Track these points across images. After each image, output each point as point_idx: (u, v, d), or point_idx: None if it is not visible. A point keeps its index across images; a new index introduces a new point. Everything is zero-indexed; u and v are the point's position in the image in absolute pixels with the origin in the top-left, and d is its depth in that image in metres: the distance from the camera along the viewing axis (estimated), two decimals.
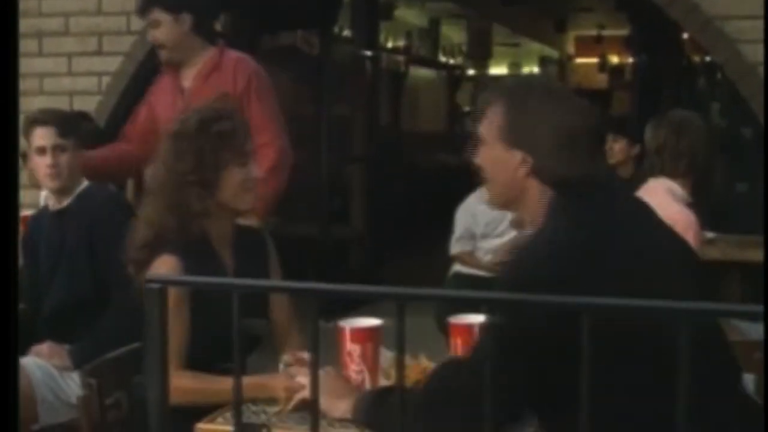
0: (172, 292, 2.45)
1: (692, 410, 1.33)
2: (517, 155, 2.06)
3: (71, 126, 3.58)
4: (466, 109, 15.35)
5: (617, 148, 5.67)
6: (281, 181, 3.98)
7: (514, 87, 2.16)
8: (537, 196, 2.06)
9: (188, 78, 4.07)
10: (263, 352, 2.82)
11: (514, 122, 2.07)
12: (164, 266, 2.53)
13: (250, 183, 2.65)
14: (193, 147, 2.58)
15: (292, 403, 2.29)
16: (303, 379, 2.30)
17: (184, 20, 4.02)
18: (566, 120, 2.04)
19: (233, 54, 4.13)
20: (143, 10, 4.11)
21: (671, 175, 3.51)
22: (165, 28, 4.03)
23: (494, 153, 2.10)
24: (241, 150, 2.63)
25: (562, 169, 2.03)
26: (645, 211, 2.13)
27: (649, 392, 1.85)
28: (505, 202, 2.15)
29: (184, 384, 2.44)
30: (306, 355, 2.34)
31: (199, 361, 2.54)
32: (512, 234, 5.42)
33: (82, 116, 4.69)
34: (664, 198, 3.37)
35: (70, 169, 3.49)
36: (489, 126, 2.11)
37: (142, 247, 2.59)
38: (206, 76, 4.02)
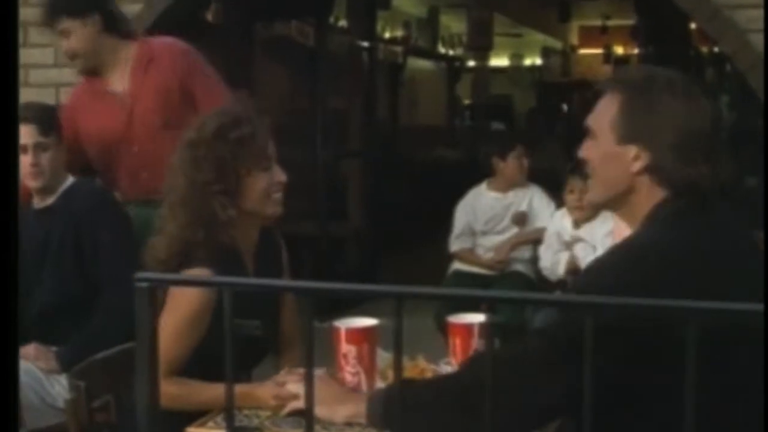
0: (198, 300, 2.46)
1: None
2: (631, 150, 2.00)
3: (53, 122, 3.55)
4: (467, 102, 15.36)
5: None
6: None
7: (634, 77, 2.09)
8: (646, 195, 2.00)
9: (118, 81, 3.89)
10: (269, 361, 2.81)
11: (631, 114, 2.00)
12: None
13: (275, 187, 2.62)
14: (212, 155, 2.54)
15: (286, 411, 2.28)
16: (294, 387, 2.29)
17: (94, 22, 3.83)
18: (691, 117, 1.98)
19: (160, 40, 4.00)
20: (49, 22, 3.87)
21: None
22: (76, 36, 3.82)
23: (605, 147, 2.03)
24: (263, 154, 2.60)
25: (681, 170, 1.96)
26: (744, 234, 2.07)
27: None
28: (609, 200, 2.08)
29: (170, 392, 2.43)
30: (302, 371, 2.32)
31: (210, 371, 2.51)
32: (514, 231, 5.43)
33: None
34: None
35: (53, 167, 3.48)
36: (601, 117, 2.04)
37: (166, 264, 2.54)
38: (143, 71, 3.86)
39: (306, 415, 1.50)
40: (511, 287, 5.13)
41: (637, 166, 2.00)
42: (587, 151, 2.08)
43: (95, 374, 2.64)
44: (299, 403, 2.22)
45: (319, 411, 2.05)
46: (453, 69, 14.51)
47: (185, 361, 2.51)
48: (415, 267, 7.93)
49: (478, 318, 2.40)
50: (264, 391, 2.36)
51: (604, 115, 2.04)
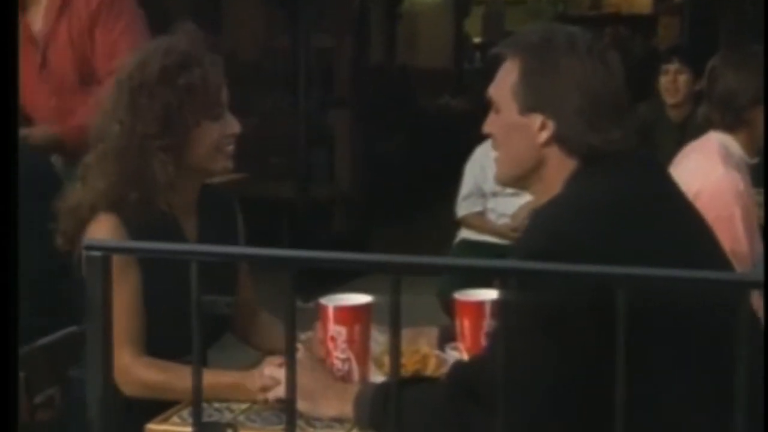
0: (122, 264, 2.44)
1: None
2: (536, 120, 2.10)
3: None
4: (477, 40, 15.31)
5: (681, 81, 5.67)
6: None
7: (530, 41, 2.17)
8: (557, 167, 2.11)
9: (36, 17, 3.93)
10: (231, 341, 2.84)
11: (531, 80, 2.10)
12: (102, 228, 2.50)
13: (227, 140, 2.61)
14: (156, 103, 2.52)
15: (269, 396, 2.30)
16: (274, 371, 2.31)
17: None
18: (596, 77, 2.08)
19: None
20: None
21: (729, 128, 3.49)
22: None
23: (508, 118, 2.14)
24: (215, 101, 2.59)
25: (590, 136, 2.07)
26: (674, 191, 2.17)
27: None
28: (519, 175, 2.19)
29: (148, 376, 2.45)
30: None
31: (162, 347, 2.53)
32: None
33: None
34: (711, 159, 3.39)
35: None
36: (502, 86, 2.15)
37: (78, 211, 2.55)
38: (58, 9, 3.88)
39: (287, 410, 1.51)
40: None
41: (544, 136, 2.10)
42: (491, 125, 2.19)
43: (37, 363, 2.65)
44: (279, 390, 2.24)
45: (300, 405, 2.07)
46: (461, 0, 14.45)
47: (144, 336, 2.52)
48: (415, 236, 7.96)
49: (489, 294, 2.41)
50: (253, 382, 2.37)
51: (504, 83, 2.15)
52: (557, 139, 2.09)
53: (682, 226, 2.11)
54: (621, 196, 2.05)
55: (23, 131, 3.64)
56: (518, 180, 2.22)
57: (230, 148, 2.62)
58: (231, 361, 2.65)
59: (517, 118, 2.12)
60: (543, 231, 2.02)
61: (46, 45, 3.90)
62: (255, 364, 2.50)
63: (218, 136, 2.59)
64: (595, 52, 2.11)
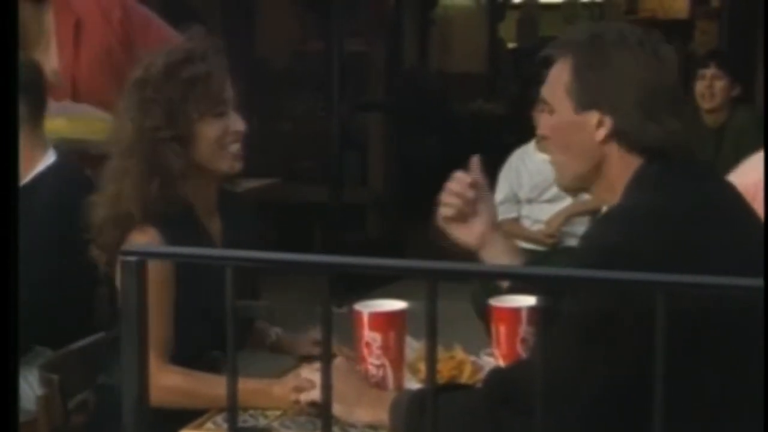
0: (154, 271, 2.46)
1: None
2: (593, 117, 2.08)
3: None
4: (511, 45, 15.28)
5: (718, 87, 5.64)
6: None
7: (580, 39, 2.16)
8: (618, 166, 2.08)
9: (48, 60, 3.71)
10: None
11: (585, 78, 2.08)
12: (143, 239, 2.54)
13: (231, 137, 2.65)
14: (161, 97, 2.59)
15: (302, 401, 2.30)
16: (310, 375, 2.32)
17: None
18: (650, 69, 2.06)
19: None
20: None
21: None
22: None
23: (564, 118, 2.11)
24: (218, 97, 2.64)
25: (649, 128, 2.04)
26: (733, 194, 2.15)
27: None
28: (580, 177, 2.15)
29: (174, 383, 2.47)
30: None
31: (182, 353, 2.56)
32: (566, 199, 5.42)
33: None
34: None
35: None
36: (555, 86, 2.12)
37: (114, 224, 2.58)
38: (73, 40, 3.73)
39: (323, 415, 1.51)
40: (565, 266, 5.12)
41: (602, 133, 2.07)
42: (545, 127, 2.17)
43: (72, 367, 2.66)
44: (314, 394, 2.24)
45: (335, 409, 2.07)
46: (495, 5, 14.42)
47: (174, 344, 2.54)
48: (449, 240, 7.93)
49: (526, 301, 2.41)
50: (282, 387, 2.38)
51: (557, 83, 2.12)
52: (616, 134, 2.07)
53: (741, 229, 2.08)
54: (686, 202, 2.02)
55: None
56: (580, 181, 2.19)
57: (235, 147, 2.66)
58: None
59: (573, 117, 2.10)
60: (611, 236, 1.99)
61: (72, 77, 3.74)
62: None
63: (221, 133, 2.63)
64: (646, 45, 2.09)
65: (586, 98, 2.08)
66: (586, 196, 5.33)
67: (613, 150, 2.08)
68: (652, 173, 2.05)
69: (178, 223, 2.59)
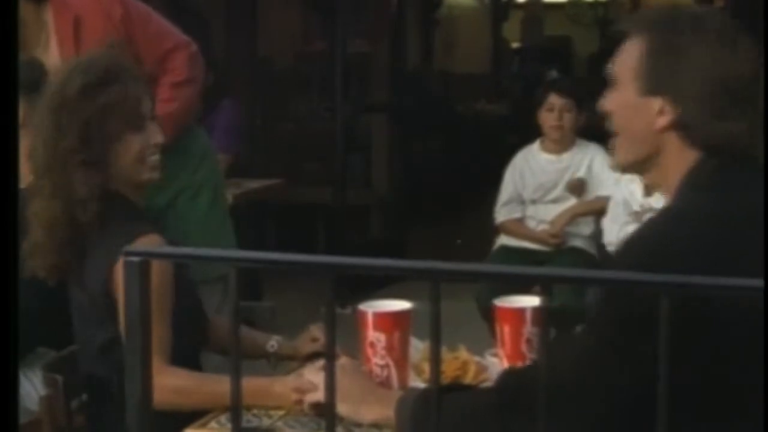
0: (159, 273, 2.48)
1: None
2: (656, 103, 2.01)
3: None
4: (515, 45, 15.28)
5: None
6: (195, 92, 3.82)
7: (657, 19, 2.09)
8: (675, 157, 2.02)
9: (47, 56, 3.70)
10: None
11: (654, 63, 2.02)
12: (148, 244, 2.54)
13: (150, 150, 2.65)
14: (76, 120, 2.59)
15: (305, 402, 2.30)
16: (313, 376, 2.31)
17: None
18: (725, 63, 1.99)
19: None
20: None
21: None
22: None
23: (627, 98, 2.05)
24: (135, 114, 2.64)
25: (712, 126, 1.98)
26: None
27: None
28: (635, 160, 2.10)
29: (176, 383, 2.46)
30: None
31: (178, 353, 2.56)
32: (570, 199, 5.42)
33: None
34: None
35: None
36: (623, 65, 2.06)
37: (32, 250, 2.61)
38: (74, 34, 3.71)
39: (326, 415, 1.51)
40: (569, 266, 5.12)
41: (663, 121, 2.01)
42: (609, 102, 2.10)
43: (74, 367, 2.66)
44: (318, 395, 2.24)
45: (341, 408, 2.07)
46: (499, 5, 14.42)
47: (170, 344, 2.55)
48: (451, 240, 7.94)
49: (530, 301, 2.41)
50: (283, 386, 2.38)
51: (626, 61, 2.06)
52: (676, 126, 2.00)
53: None
54: (739, 206, 1.96)
55: None
56: (634, 165, 2.12)
57: (154, 158, 2.67)
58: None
59: (635, 99, 2.04)
60: (658, 238, 1.96)
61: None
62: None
63: (141, 147, 2.64)
64: (724, 36, 2.01)
65: (652, 83, 2.02)
66: (591, 197, 5.37)
67: (672, 140, 2.01)
68: (709, 171, 1.99)
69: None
